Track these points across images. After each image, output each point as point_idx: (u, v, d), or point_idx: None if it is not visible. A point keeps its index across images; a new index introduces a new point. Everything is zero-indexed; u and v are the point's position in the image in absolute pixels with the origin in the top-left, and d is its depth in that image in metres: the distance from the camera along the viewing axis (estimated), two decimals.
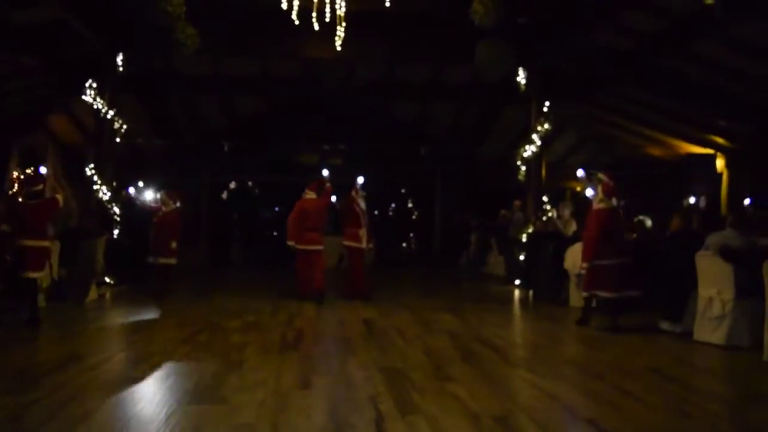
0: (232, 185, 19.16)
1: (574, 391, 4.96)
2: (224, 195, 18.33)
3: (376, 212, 18.09)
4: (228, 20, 10.80)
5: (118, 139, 11.68)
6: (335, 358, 5.95)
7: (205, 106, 16.34)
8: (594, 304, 7.99)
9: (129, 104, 13.62)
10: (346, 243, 10.07)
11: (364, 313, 8.70)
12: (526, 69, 10.89)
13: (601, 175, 7.80)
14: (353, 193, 10.09)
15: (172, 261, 10.05)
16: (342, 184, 10.72)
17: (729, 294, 6.69)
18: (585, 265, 7.75)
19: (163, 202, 10.25)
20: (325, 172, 10.33)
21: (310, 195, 9.83)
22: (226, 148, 16.33)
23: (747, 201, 12.33)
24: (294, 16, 8.04)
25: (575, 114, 15.08)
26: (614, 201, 7.63)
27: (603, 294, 7.69)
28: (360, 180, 10.12)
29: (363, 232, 9.93)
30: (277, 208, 19.11)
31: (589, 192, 7.98)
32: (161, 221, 10.07)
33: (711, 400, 4.88)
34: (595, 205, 7.71)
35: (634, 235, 8.98)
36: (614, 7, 9.21)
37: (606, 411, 4.39)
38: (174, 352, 6.08)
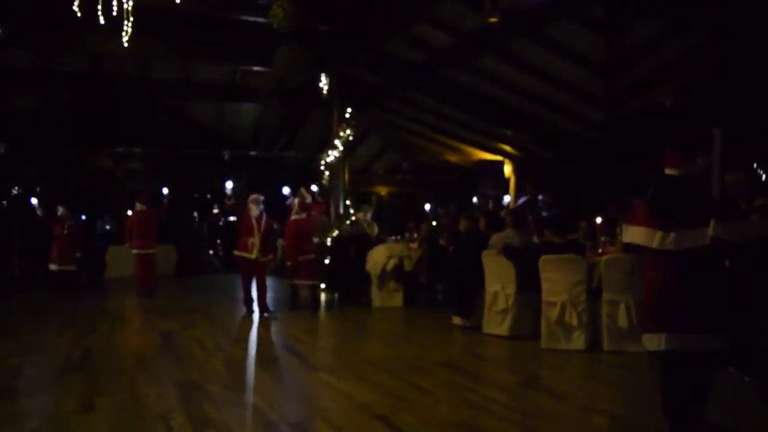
0: (15, 191, 17.22)
1: (370, 390, 5.08)
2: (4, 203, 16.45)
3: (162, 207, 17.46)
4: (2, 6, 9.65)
5: None
6: (125, 375, 5.56)
7: None
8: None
9: None
10: (236, 253, 9.40)
11: (163, 325, 8.26)
12: (326, 75, 11.03)
13: (303, 191, 9.71)
14: (248, 200, 9.57)
15: None
16: (142, 189, 11.41)
17: (511, 289, 7.31)
18: (289, 263, 9.43)
19: None
20: (165, 191, 11.35)
21: (139, 207, 11.14)
22: (2, 150, 14.55)
23: (521, 200, 13.61)
24: (76, 7, 7.39)
25: (377, 121, 15.59)
26: (305, 214, 9.44)
27: (303, 282, 9.43)
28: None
29: (253, 241, 9.14)
30: (108, 227, 17.40)
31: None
32: None
33: (493, 388, 5.28)
34: (293, 216, 9.46)
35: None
36: (405, 20, 9.58)
37: (398, 407, 4.57)
38: None
